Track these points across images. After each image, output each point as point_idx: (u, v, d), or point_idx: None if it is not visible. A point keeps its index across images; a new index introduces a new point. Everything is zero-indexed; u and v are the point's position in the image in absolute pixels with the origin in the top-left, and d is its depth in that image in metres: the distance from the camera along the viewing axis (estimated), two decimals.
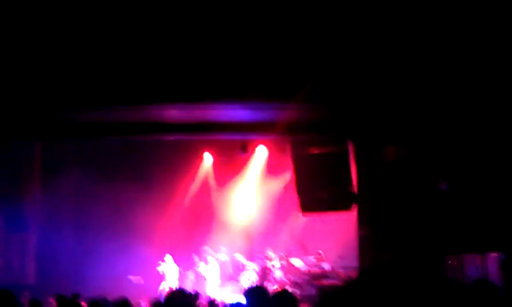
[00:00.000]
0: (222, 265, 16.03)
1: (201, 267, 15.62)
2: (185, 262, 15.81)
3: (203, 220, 16.91)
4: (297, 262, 15.87)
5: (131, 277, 14.90)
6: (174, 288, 13.32)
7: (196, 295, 9.83)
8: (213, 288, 15.17)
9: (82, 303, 8.99)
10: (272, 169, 16.53)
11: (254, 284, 13.16)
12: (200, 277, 15.57)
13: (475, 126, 11.32)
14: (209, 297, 13.74)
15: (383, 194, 11.77)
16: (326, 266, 14.97)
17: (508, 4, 9.32)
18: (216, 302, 9.72)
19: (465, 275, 12.04)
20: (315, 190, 12.95)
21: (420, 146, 11.99)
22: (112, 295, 9.22)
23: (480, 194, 11.46)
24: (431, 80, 10.50)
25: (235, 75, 10.37)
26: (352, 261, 12.84)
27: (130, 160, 15.81)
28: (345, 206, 12.76)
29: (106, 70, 10.33)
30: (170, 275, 15.29)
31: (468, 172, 11.69)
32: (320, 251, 15.59)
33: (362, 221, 12.13)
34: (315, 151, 13.04)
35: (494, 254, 11.73)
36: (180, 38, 10.07)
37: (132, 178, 15.88)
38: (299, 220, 15.91)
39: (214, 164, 16.96)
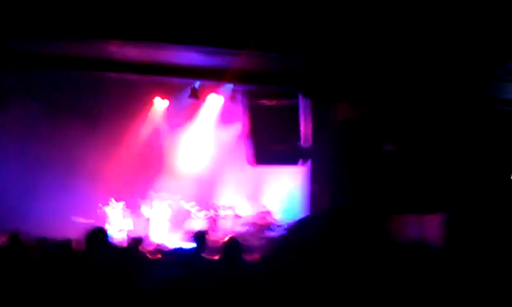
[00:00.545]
0: (168, 211, 15.96)
1: (147, 212, 15.48)
2: (131, 206, 15.60)
3: (151, 165, 16.62)
4: (244, 214, 15.93)
5: (74, 218, 14.59)
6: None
7: (138, 240, 9.70)
8: (158, 234, 15.09)
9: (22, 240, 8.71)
10: (224, 118, 16.33)
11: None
12: (145, 222, 15.43)
13: (427, 92, 11.42)
14: (155, 243, 13.68)
15: (336, 152, 11.82)
16: (272, 219, 15.10)
17: None
18: (162, 248, 9.68)
19: (406, 236, 12.32)
20: (266, 142, 12.85)
21: (373, 106, 12.04)
22: (54, 234, 8.98)
23: (427, 157, 11.66)
24: (386, 42, 10.47)
25: (191, 19, 10.05)
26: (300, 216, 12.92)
27: (80, 97, 15.26)
28: (293, 161, 12.76)
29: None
30: (115, 219, 15.08)
31: (417, 135, 11.85)
32: (267, 204, 15.69)
33: (314, 178, 12.16)
34: (267, 102, 12.88)
35: (436, 216, 12.02)
36: None
37: (81, 116, 15.36)
38: (249, 172, 15.89)
39: (166, 110, 16.61)
